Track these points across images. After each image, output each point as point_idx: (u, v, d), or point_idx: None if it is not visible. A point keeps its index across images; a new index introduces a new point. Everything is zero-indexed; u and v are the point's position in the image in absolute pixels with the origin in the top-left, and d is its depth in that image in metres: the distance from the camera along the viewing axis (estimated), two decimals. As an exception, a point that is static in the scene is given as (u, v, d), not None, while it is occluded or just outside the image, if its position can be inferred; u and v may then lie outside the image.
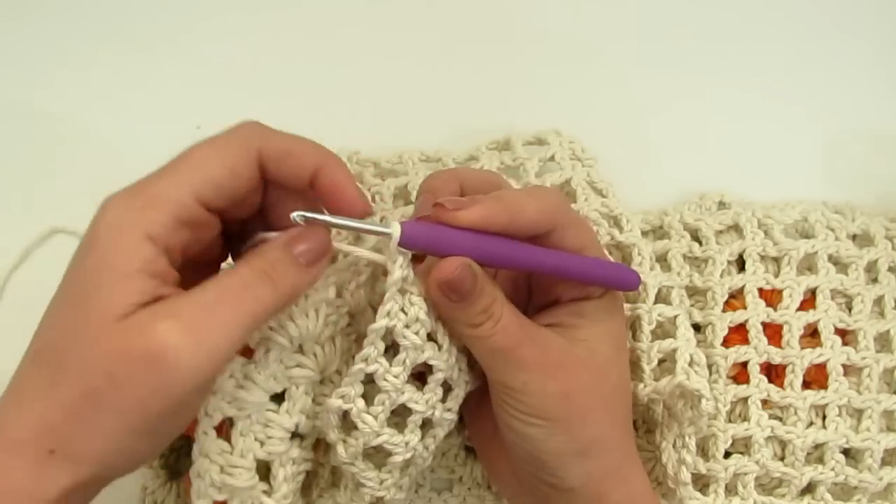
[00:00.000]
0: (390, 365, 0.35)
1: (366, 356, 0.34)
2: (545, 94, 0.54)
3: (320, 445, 0.37)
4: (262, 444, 0.35)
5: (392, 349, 0.35)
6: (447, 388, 0.37)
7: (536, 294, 0.39)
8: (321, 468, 0.38)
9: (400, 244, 0.33)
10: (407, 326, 0.34)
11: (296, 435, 0.37)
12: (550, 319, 0.38)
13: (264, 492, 0.35)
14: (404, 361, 0.35)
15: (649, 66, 0.54)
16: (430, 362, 0.35)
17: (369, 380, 0.35)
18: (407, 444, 0.36)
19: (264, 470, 0.36)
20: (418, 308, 0.35)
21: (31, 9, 0.55)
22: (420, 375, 0.36)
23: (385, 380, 0.35)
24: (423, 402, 0.36)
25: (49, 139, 0.53)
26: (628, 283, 0.39)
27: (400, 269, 0.34)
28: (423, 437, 0.37)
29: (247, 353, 0.36)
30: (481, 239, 0.34)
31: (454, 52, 0.54)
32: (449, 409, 0.37)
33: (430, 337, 0.36)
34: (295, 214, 0.32)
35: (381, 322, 0.34)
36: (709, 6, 0.55)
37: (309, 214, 0.32)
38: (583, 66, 0.54)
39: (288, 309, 0.35)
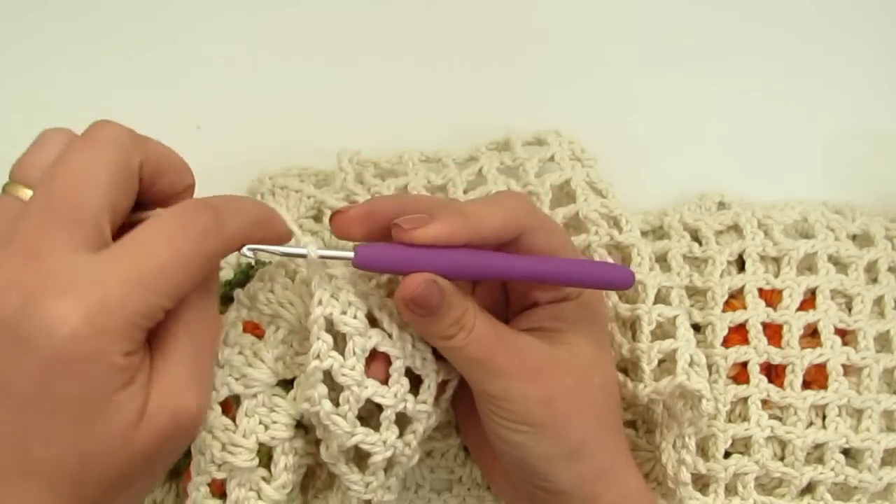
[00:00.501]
0: (344, 358, 0.34)
1: (316, 352, 0.34)
2: (545, 94, 0.53)
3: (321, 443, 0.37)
4: (266, 427, 0.35)
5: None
6: (416, 379, 0.37)
7: (513, 298, 0.39)
8: (319, 469, 0.38)
9: (357, 266, 0.34)
10: (343, 312, 0.34)
11: (301, 426, 0.37)
12: (531, 324, 0.38)
13: (263, 478, 0.35)
14: (354, 351, 0.34)
15: (649, 66, 0.54)
16: (382, 349, 0.35)
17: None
18: (385, 442, 0.36)
19: (266, 458, 0.36)
20: (347, 291, 0.34)
21: (31, 9, 0.55)
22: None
23: (343, 375, 0.34)
24: (390, 395, 0.35)
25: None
26: (620, 282, 0.38)
27: (315, 262, 0.34)
28: (402, 434, 0.36)
29: (258, 332, 0.36)
30: (448, 253, 0.34)
31: (454, 52, 0.54)
32: (423, 402, 0.36)
33: (376, 325, 0.35)
34: (245, 249, 0.33)
35: (316, 312, 0.34)
36: (709, 6, 0.55)
37: (258, 247, 0.33)
38: (583, 67, 0.54)
39: (297, 288, 0.36)
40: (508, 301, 0.40)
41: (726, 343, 0.45)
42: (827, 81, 0.53)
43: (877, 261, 0.47)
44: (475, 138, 0.50)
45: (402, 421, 0.36)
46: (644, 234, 0.48)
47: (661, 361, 0.42)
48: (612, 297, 0.43)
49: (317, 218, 0.47)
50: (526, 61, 0.54)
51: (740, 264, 0.47)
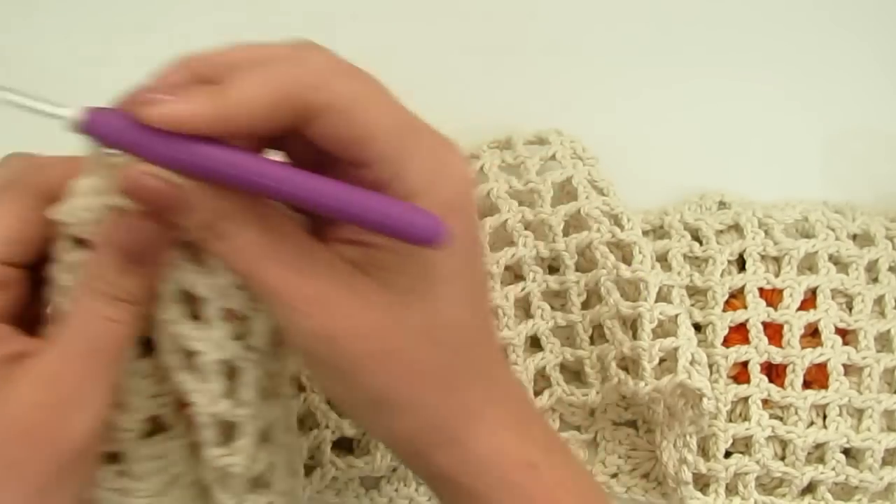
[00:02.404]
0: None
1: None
2: (546, 94, 0.53)
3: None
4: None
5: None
6: (241, 318, 0.31)
7: None
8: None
9: (85, 132, 0.27)
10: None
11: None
12: (349, 232, 0.30)
13: None
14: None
15: (650, 66, 0.54)
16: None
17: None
18: (210, 339, 0.30)
19: None
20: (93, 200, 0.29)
21: (31, 8, 0.55)
22: None
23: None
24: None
25: (48, 138, 0.53)
26: (423, 233, 0.28)
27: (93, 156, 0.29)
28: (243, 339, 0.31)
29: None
30: (196, 147, 0.27)
31: (455, 51, 0.54)
32: (250, 347, 0.31)
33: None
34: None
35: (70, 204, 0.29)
36: (709, 6, 0.55)
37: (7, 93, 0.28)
38: (583, 66, 0.54)
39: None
40: None
41: (727, 342, 0.45)
42: (828, 80, 0.53)
43: (877, 260, 0.47)
44: (476, 137, 0.50)
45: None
46: (644, 233, 0.47)
47: (661, 360, 0.42)
48: (614, 295, 0.43)
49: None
50: (527, 61, 0.54)
51: (741, 264, 0.47)
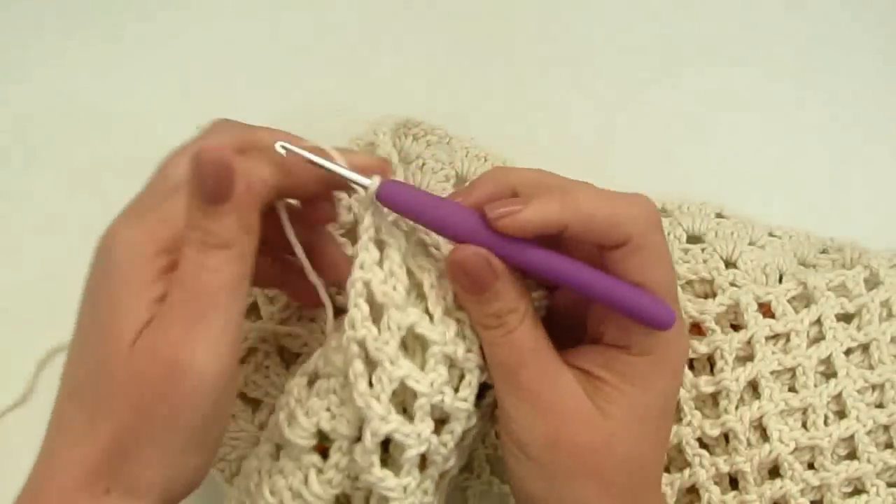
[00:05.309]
0: (378, 332, 0.31)
1: (352, 320, 0.31)
2: (548, 97, 0.53)
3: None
4: (332, 416, 0.33)
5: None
6: (459, 373, 0.34)
7: (590, 324, 0.36)
8: (357, 493, 0.35)
9: (378, 199, 0.32)
10: (384, 282, 0.32)
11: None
12: (578, 361, 0.34)
13: (315, 464, 0.34)
14: (388, 325, 0.31)
15: (653, 70, 0.54)
16: (419, 330, 0.32)
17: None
18: (419, 435, 0.32)
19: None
20: (393, 262, 0.32)
21: (31, 13, 0.56)
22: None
23: (376, 349, 0.31)
24: (425, 382, 0.32)
25: (51, 137, 0.53)
26: (657, 319, 0.33)
27: (371, 216, 0.32)
28: (438, 432, 0.33)
29: None
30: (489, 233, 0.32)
31: (453, 51, 0.54)
32: (464, 399, 0.33)
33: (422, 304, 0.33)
34: (278, 145, 0.31)
35: (356, 274, 0.31)
36: (713, 14, 0.55)
37: (292, 147, 0.31)
38: (592, 71, 0.54)
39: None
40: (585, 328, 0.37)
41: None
42: (833, 96, 0.52)
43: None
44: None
45: (436, 415, 0.33)
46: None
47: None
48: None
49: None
50: (530, 63, 0.54)
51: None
